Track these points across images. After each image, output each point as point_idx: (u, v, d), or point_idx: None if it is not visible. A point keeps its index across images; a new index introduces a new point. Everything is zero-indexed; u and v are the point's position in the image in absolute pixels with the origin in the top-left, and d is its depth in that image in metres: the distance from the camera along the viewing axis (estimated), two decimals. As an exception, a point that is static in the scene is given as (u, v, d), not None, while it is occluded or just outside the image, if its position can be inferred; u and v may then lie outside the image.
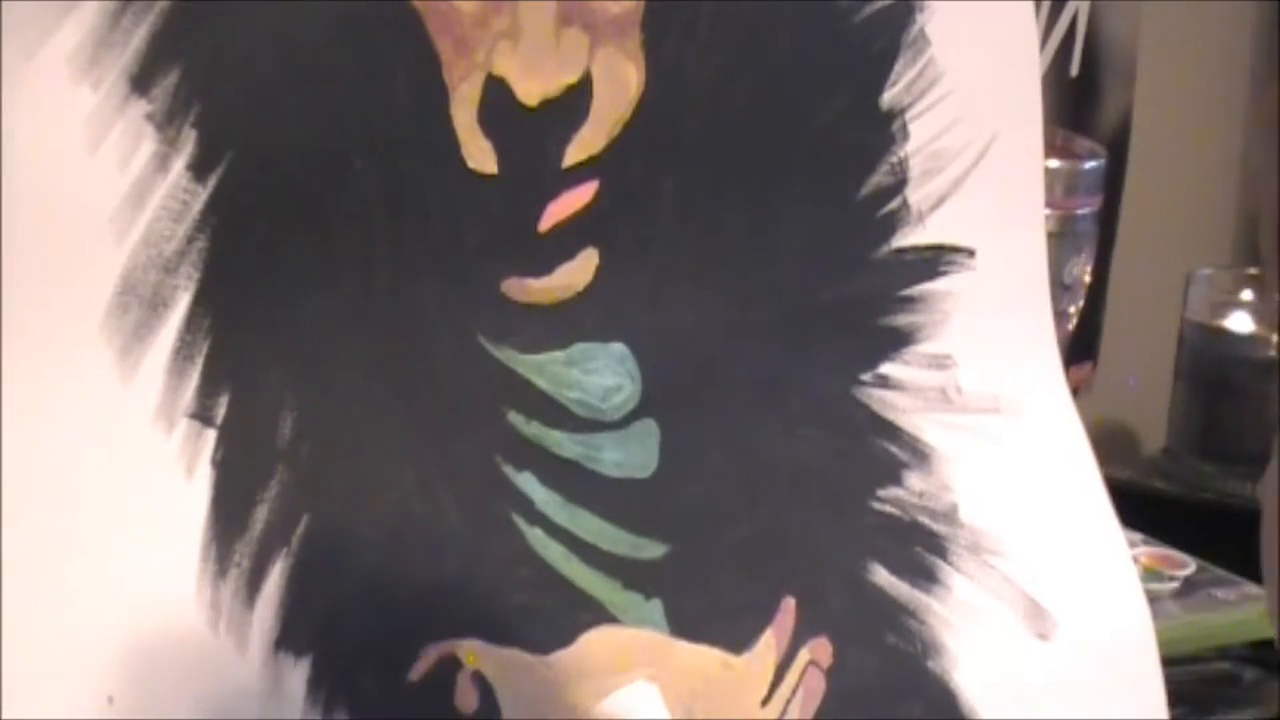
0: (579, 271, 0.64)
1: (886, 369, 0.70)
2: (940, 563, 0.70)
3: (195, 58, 0.58)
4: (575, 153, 0.63)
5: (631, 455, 0.66)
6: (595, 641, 0.64)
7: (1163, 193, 1.44)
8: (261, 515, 0.60)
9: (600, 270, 0.64)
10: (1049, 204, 0.96)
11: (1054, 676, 0.71)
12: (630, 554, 0.65)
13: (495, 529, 0.63)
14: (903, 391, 0.70)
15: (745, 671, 0.66)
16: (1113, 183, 1.24)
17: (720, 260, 0.67)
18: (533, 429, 0.64)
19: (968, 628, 0.70)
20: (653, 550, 0.65)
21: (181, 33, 0.58)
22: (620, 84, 0.64)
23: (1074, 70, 1.29)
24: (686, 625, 0.65)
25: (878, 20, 0.68)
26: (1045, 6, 1.28)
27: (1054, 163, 1.07)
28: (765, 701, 0.66)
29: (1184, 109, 1.47)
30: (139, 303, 0.58)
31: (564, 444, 0.64)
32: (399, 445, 0.62)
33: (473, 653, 0.62)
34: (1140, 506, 1.07)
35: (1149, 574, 1.09)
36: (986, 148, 0.71)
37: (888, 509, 0.69)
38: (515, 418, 0.64)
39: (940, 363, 0.71)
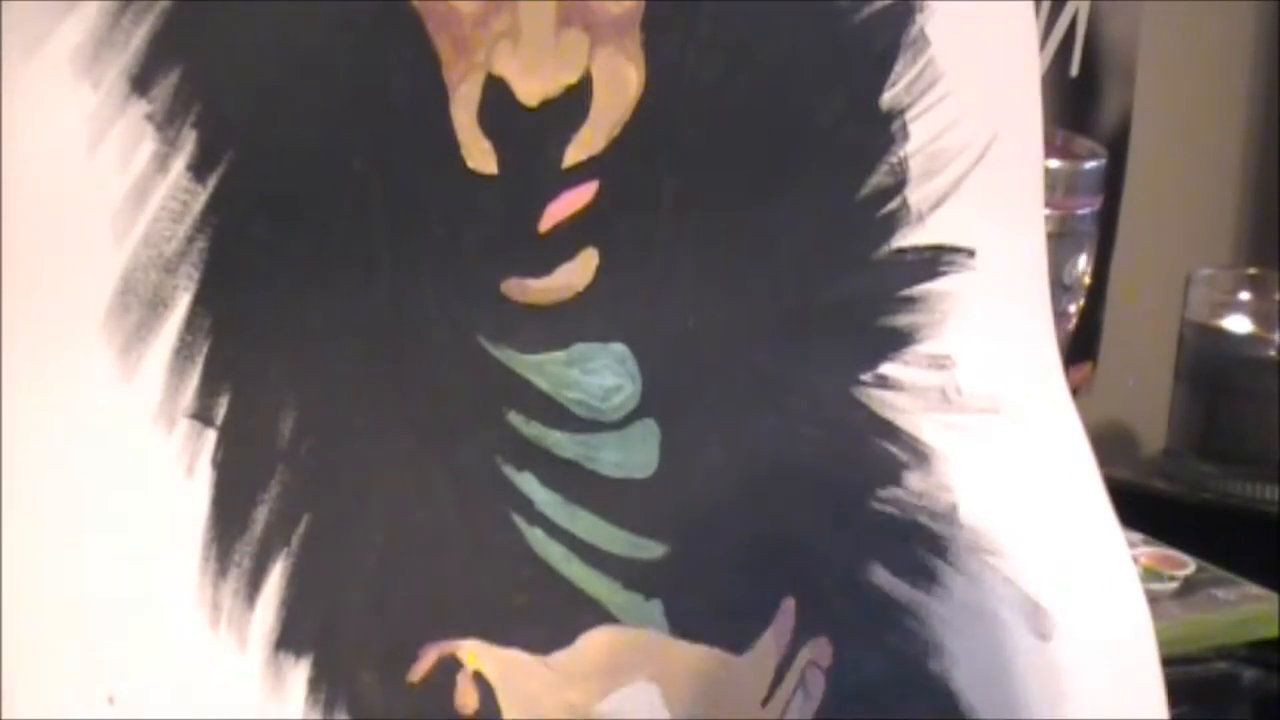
0: (579, 272, 0.64)
1: (886, 369, 0.70)
2: (940, 563, 0.70)
3: (195, 58, 0.58)
4: (575, 153, 0.63)
5: (632, 455, 0.66)
6: (595, 642, 0.64)
7: (1163, 193, 1.44)
8: (262, 515, 0.60)
9: (600, 270, 0.64)
10: (1049, 204, 0.96)
11: (1054, 676, 0.71)
12: (630, 554, 0.65)
13: (495, 529, 0.63)
14: (902, 391, 0.70)
15: (745, 671, 0.66)
16: (1113, 183, 1.24)
17: (720, 260, 0.67)
18: (533, 429, 0.64)
19: (968, 628, 0.70)
20: (653, 550, 0.65)
21: (182, 33, 0.58)
22: (620, 84, 0.64)
23: (1074, 70, 1.30)
24: (686, 625, 0.65)
25: (877, 20, 0.68)
26: (1045, 6, 1.28)
27: (1054, 163, 1.07)
28: (766, 701, 0.66)
29: (1184, 109, 1.47)
30: (139, 303, 0.58)
31: (564, 444, 0.64)
32: (399, 445, 0.62)
33: (473, 653, 0.62)
34: (1140, 506, 1.07)
35: (1149, 574, 1.09)
36: (986, 148, 0.71)
37: (887, 509, 0.69)
38: (515, 418, 0.64)
39: (940, 363, 0.71)
